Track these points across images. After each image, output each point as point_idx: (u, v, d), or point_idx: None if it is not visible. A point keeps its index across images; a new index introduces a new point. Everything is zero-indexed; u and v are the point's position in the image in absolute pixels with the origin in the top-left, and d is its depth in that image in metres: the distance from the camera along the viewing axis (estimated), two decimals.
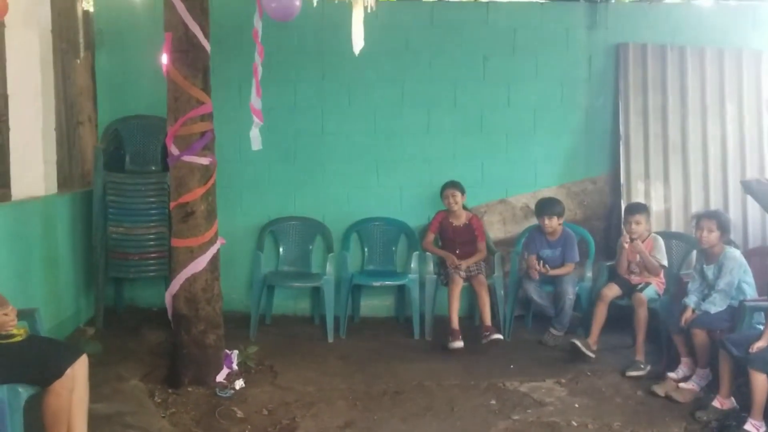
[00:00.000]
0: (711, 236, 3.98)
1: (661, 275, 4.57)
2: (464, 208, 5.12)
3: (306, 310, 5.48)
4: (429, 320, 4.96)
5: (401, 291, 5.33)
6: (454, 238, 5.07)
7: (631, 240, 4.53)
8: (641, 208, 4.66)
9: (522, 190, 5.46)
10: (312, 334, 5.03)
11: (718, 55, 5.34)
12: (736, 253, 4.01)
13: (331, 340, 4.85)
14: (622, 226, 4.74)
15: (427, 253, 5.07)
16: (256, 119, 3.84)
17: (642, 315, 4.34)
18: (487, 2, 5.46)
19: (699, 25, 5.41)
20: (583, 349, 4.40)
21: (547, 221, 4.89)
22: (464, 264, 4.90)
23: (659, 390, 3.93)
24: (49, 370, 2.70)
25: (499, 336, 4.59)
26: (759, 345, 3.43)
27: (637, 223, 4.54)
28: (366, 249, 5.40)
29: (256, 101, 3.84)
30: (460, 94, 5.41)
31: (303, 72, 5.34)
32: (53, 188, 4.47)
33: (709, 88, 5.33)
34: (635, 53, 5.32)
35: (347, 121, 5.39)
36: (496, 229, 5.44)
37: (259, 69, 3.81)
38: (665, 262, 4.55)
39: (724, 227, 4.00)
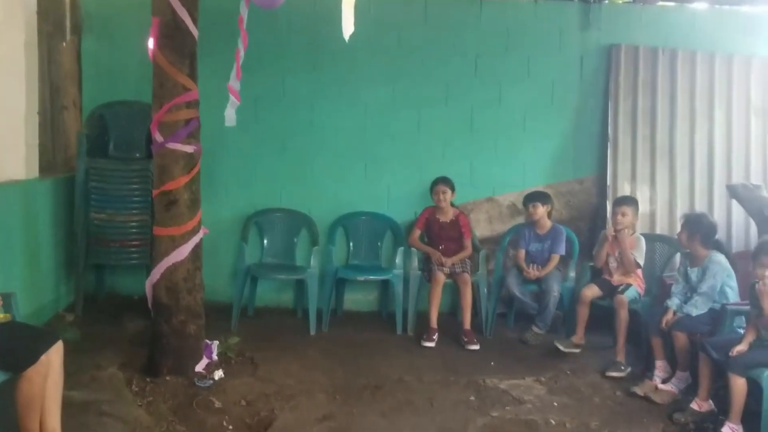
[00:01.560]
0: (682, 237, 4.14)
1: (639, 274, 4.60)
2: (452, 205, 5.11)
3: (289, 302, 5.45)
4: (412, 316, 4.95)
5: (385, 286, 5.32)
6: (440, 234, 5.07)
7: (616, 232, 4.56)
8: (629, 201, 4.71)
9: (510, 189, 5.45)
10: (294, 327, 5.00)
11: (709, 60, 5.36)
12: (721, 258, 4.04)
13: (313, 333, 4.83)
14: (609, 218, 4.76)
15: (413, 248, 5.06)
16: (233, 99, 3.80)
17: (623, 316, 4.35)
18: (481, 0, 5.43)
19: (691, 28, 5.42)
20: (566, 350, 4.45)
21: (531, 208, 4.91)
22: (449, 261, 4.90)
23: (638, 390, 3.94)
24: (23, 356, 2.65)
25: (476, 347, 4.64)
26: (739, 349, 3.45)
27: (623, 214, 4.56)
28: (351, 243, 5.38)
29: (234, 82, 3.80)
30: (452, 92, 5.39)
31: (293, 63, 5.30)
32: (35, 172, 4.40)
33: (699, 92, 5.35)
34: (627, 55, 5.32)
35: (337, 114, 5.35)
36: (482, 227, 5.43)
37: (241, 55, 3.76)
38: (641, 262, 4.58)
39: (691, 228, 4.08)
